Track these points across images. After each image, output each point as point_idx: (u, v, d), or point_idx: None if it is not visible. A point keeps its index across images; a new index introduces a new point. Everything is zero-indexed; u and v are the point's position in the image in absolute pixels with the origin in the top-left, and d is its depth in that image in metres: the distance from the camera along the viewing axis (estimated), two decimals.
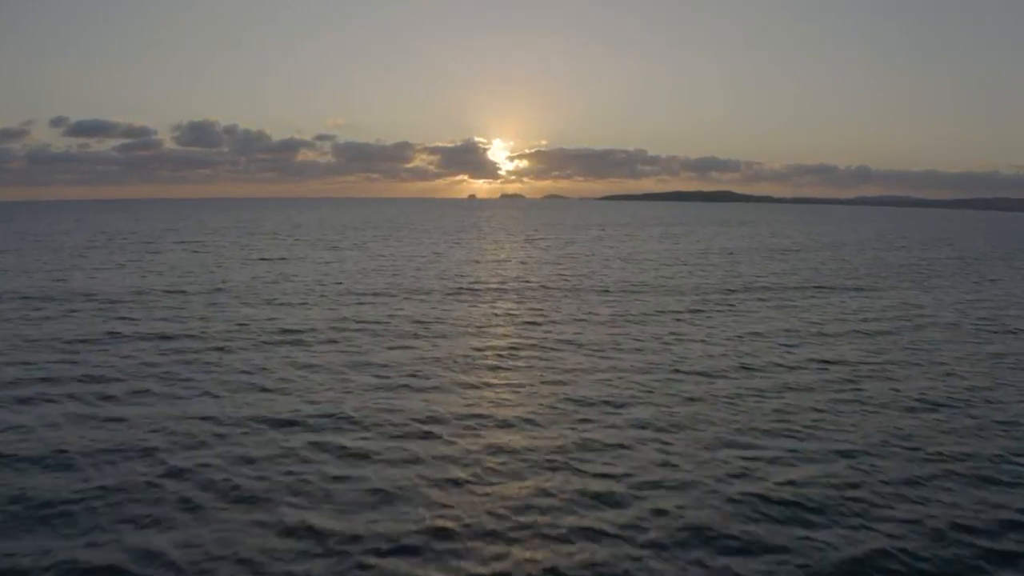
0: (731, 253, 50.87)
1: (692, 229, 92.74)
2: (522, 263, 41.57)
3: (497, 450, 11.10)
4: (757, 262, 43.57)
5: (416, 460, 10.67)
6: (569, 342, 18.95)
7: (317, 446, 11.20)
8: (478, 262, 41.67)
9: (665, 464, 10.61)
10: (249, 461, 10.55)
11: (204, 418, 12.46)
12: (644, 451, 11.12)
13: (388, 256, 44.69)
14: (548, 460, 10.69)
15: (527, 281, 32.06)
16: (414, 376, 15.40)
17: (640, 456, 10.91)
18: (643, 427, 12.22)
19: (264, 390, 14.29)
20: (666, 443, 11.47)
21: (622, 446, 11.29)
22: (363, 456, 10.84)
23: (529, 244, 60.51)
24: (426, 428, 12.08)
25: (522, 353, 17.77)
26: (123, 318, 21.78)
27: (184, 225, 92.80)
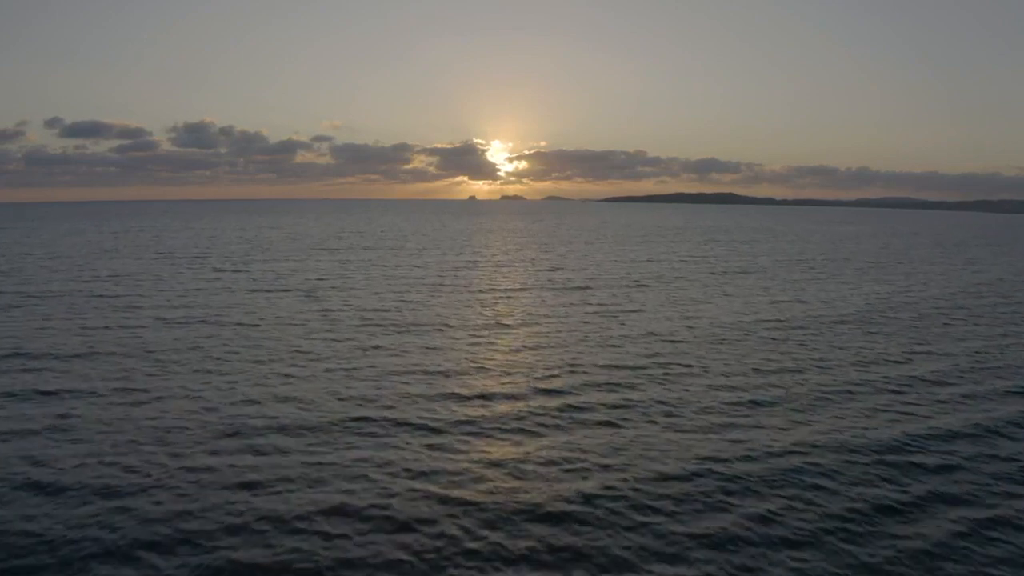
0: (868, 318, 37.12)
1: (727, 245, 79.24)
2: (536, 348, 27.95)
3: None
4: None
5: None
6: None
7: None
8: (464, 355, 28.02)
9: None
10: None
11: None
12: None
13: (339, 319, 30.95)
14: None
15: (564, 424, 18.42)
16: None
17: None
18: None
19: None
20: None
21: None
22: None
23: (542, 286, 46.95)
24: None
25: None
26: None
27: (135, 241, 79.23)
